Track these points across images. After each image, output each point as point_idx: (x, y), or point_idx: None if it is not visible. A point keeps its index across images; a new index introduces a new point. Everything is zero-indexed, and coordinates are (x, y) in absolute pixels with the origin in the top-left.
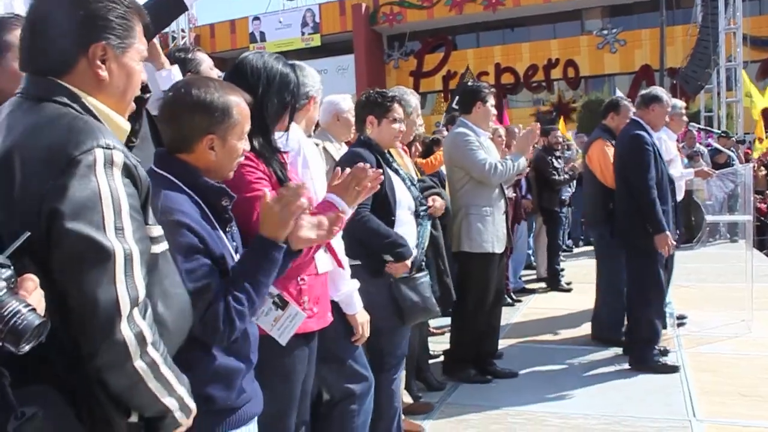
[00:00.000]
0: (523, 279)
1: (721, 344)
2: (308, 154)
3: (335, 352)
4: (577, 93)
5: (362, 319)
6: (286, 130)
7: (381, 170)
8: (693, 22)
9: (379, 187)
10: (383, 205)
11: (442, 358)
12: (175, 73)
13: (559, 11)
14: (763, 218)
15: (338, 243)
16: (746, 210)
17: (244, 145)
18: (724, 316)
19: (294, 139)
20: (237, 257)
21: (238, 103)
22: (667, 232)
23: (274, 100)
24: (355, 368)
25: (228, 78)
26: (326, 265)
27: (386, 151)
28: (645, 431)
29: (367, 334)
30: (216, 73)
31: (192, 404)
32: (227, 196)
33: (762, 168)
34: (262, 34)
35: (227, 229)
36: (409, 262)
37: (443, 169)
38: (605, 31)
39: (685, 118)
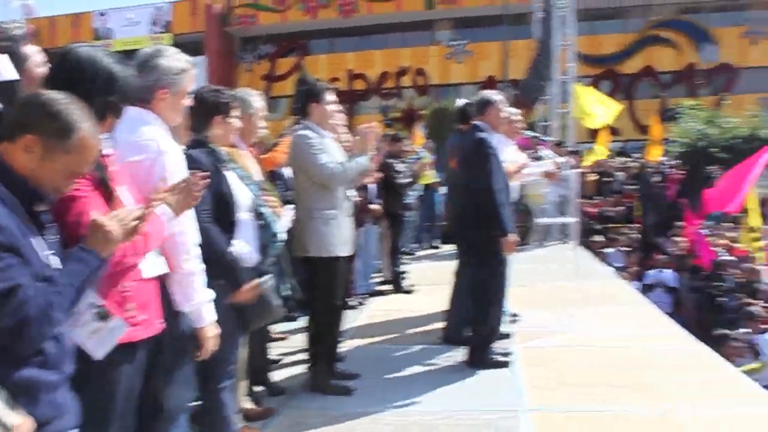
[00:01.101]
0: (372, 282)
1: (550, 339)
2: (168, 159)
3: (166, 363)
4: (426, 101)
5: (211, 333)
6: (110, 131)
7: (208, 174)
8: (533, 37)
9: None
10: (223, 208)
11: (305, 366)
12: (3, 64)
13: (411, 21)
14: (591, 221)
15: (177, 246)
16: (573, 213)
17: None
18: (553, 313)
19: (151, 140)
20: (55, 263)
21: (85, 135)
22: (513, 235)
23: (98, 98)
24: (183, 381)
25: (53, 69)
26: (153, 270)
27: (224, 152)
28: (476, 423)
29: (213, 348)
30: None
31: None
32: (41, 200)
33: (592, 175)
34: (108, 30)
35: (44, 234)
36: (246, 286)
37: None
38: (454, 42)
39: (519, 125)
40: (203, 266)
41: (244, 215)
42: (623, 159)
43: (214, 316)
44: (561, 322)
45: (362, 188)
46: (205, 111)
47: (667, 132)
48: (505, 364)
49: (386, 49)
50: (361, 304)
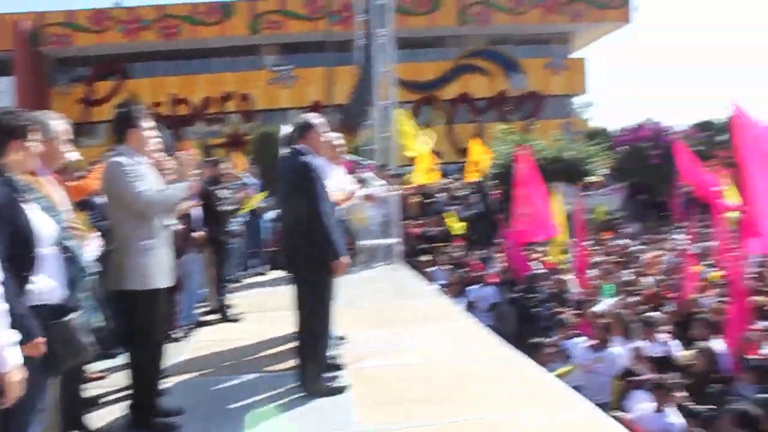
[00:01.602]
0: (197, 312)
1: (379, 359)
2: None
3: None
4: (252, 126)
5: (16, 377)
6: None
7: None
8: (356, 63)
9: None
10: (20, 243)
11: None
12: None
13: (235, 45)
14: (415, 241)
15: None
16: (396, 234)
17: None
18: (381, 333)
19: None
20: None
21: None
22: (344, 258)
23: None
24: None
25: None
26: None
27: (23, 180)
28: None
29: (18, 394)
30: None
31: None
32: None
33: (415, 197)
34: None
35: None
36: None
37: None
38: (279, 67)
39: (341, 149)
40: (6, 306)
41: (47, 249)
42: (444, 180)
43: (20, 360)
44: (389, 341)
45: (185, 216)
46: (0, 135)
47: (485, 154)
48: (339, 390)
49: (210, 74)
50: (186, 335)
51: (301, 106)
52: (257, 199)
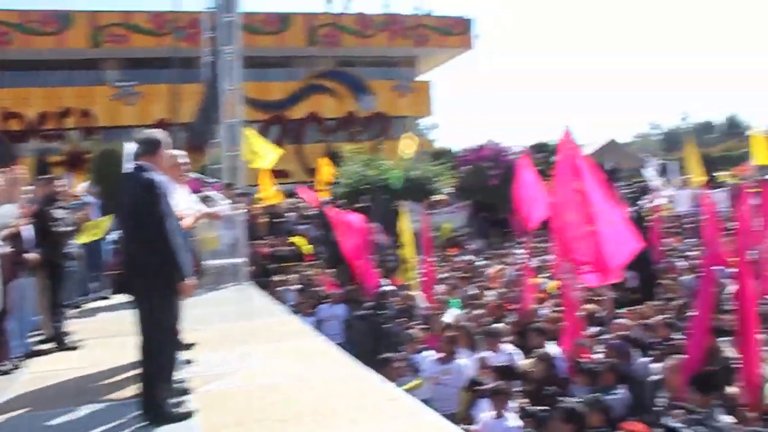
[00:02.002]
0: (30, 341)
1: (226, 380)
2: None
3: None
4: (93, 143)
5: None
6: None
7: None
8: (202, 81)
9: None
10: None
11: None
12: None
13: (74, 58)
14: (265, 261)
15: None
16: (242, 254)
17: None
18: (229, 354)
19: None
20: None
21: None
22: (191, 278)
23: None
24: None
25: None
26: None
27: None
28: None
29: None
30: None
31: None
32: None
33: (263, 216)
34: None
35: None
36: None
37: None
38: (122, 83)
39: (185, 167)
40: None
41: None
42: (293, 200)
43: None
44: (237, 363)
45: (14, 236)
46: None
47: (332, 174)
48: (186, 415)
49: (47, 87)
50: (16, 367)
51: (145, 123)
52: (105, 224)
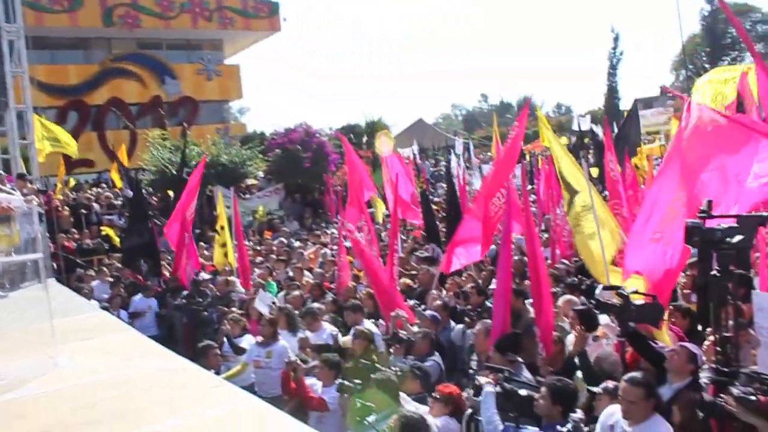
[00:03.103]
0: None
1: (29, 387)
2: None
3: None
4: None
5: None
6: None
7: None
8: None
9: None
10: None
11: None
12: None
13: None
14: (71, 255)
15: None
16: (41, 249)
17: None
18: (32, 359)
19: None
20: None
21: None
22: None
23: None
24: None
25: None
26: None
27: None
28: None
29: None
30: None
31: None
32: None
33: (65, 208)
34: None
35: None
36: None
37: None
38: None
39: None
40: None
41: None
42: (98, 190)
43: None
44: (41, 366)
45: None
46: None
47: (138, 161)
48: None
49: None
50: None
51: None
52: None
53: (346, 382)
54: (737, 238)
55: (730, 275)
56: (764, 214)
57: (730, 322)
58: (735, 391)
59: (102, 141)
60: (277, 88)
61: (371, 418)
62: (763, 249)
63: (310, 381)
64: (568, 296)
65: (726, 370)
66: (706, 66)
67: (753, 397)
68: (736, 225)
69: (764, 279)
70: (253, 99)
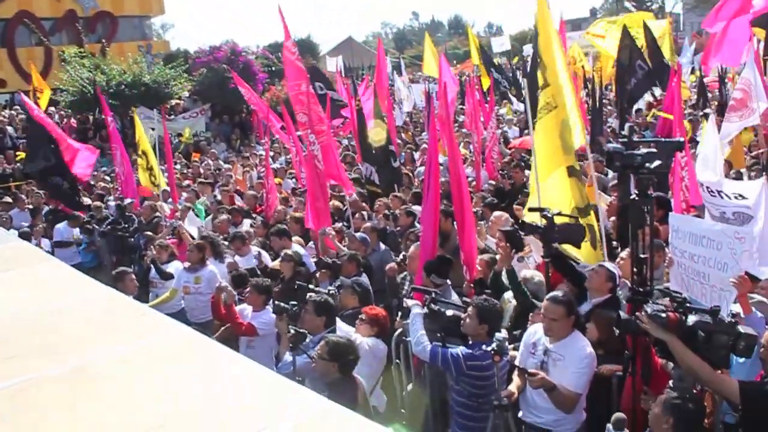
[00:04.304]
0: None
1: None
2: None
3: None
4: None
5: None
6: None
7: None
8: None
9: None
10: None
11: None
12: None
13: None
14: None
15: None
16: None
17: None
18: None
19: None
20: None
21: None
22: None
23: None
24: None
25: None
26: None
27: None
28: None
29: None
30: None
31: None
32: None
33: None
34: None
35: None
36: None
37: None
38: None
39: None
40: None
41: None
42: (11, 112)
43: None
44: None
45: None
46: None
47: (55, 81)
48: None
49: None
50: None
51: None
52: None
53: (281, 304)
54: (656, 163)
55: (648, 199)
56: (680, 139)
57: (647, 243)
58: (648, 308)
59: (12, 58)
60: (202, 3)
61: (306, 341)
62: (678, 173)
63: (240, 306)
64: (498, 213)
65: (641, 290)
66: None
67: (663, 315)
68: (654, 150)
69: (678, 201)
70: (177, 15)
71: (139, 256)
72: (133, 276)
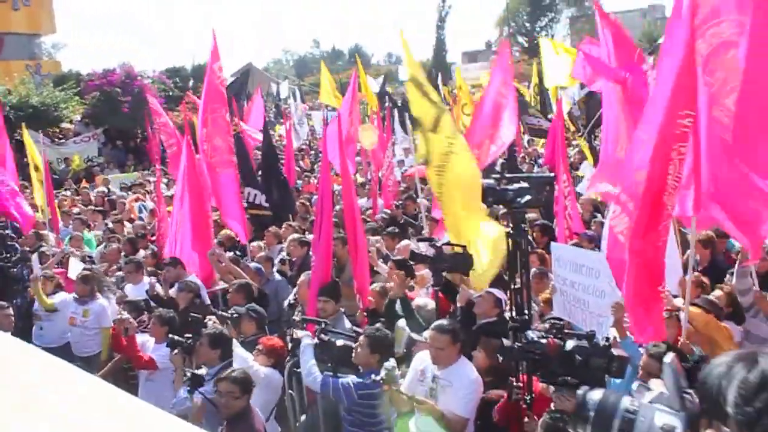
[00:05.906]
0: None
1: None
2: None
3: None
4: None
5: None
6: None
7: None
8: None
9: None
10: None
11: None
12: None
13: None
14: None
15: None
16: None
17: None
18: None
19: None
20: None
21: None
22: None
23: None
24: None
25: None
26: None
27: None
28: None
29: None
30: None
31: None
32: None
33: None
34: None
35: None
36: None
37: None
38: None
39: None
40: None
41: None
42: None
43: None
44: None
45: None
46: None
47: None
48: None
49: None
50: None
51: None
52: None
53: (176, 337)
54: (526, 198)
55: (521, 232)
56: (551, 174)
57: (523, 275)
58: (530, 334)
59: None
60: (98, 23)
61: (203, 371)
62: (562, 203)
63: (141, 338)
64: (406, 242)
65: (517, 318)
66: (527, 25)
67: (544, 340)
68: (526, 185)
69: (561, 230)
70: (70, 35)
71: (23, 287)
72: (10, 310)
